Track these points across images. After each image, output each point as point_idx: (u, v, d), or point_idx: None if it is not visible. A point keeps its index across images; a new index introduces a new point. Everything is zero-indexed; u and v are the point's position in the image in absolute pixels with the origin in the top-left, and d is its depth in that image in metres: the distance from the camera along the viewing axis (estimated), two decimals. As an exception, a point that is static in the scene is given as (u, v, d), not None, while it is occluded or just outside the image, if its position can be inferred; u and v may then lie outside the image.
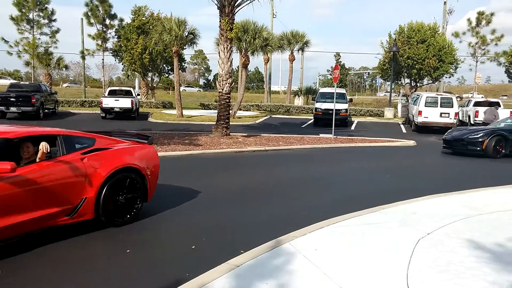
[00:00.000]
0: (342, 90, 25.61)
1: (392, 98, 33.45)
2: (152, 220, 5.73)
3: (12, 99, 19.57)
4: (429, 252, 4.52)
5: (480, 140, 12.65)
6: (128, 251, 4.65)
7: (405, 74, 32.10)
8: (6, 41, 31.63)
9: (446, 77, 35.93)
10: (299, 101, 37.35)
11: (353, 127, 22.65)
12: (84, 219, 5.05)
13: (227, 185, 8.13)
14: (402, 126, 23.92)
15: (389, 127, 23.27)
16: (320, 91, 25.79)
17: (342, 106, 22.19)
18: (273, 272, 3.95)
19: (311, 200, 7.18)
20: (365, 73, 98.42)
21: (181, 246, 4.86)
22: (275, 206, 6.73)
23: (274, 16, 37.05)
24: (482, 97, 46.74)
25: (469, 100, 25.87)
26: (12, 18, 31.87)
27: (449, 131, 14.35)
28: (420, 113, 21.03)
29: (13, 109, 19.54)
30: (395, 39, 29.80)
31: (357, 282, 3.76)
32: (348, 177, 9.62)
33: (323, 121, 21.79)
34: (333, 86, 19.54)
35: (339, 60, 72.38)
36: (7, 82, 42.12)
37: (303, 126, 22.60)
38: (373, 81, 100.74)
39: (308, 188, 8.20)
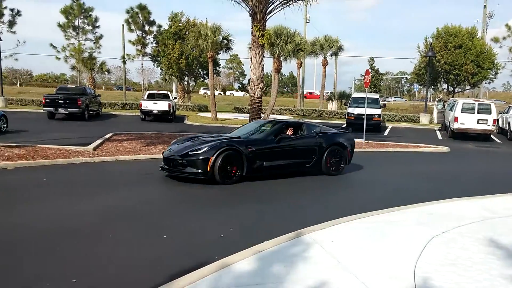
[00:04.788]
0: (376, 95, 25.56)
1: (429, 104, 32.94)
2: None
3: (60, 101, 20.96)
4: (441, 248, 4.81)
5: (201, 158, 7.81)
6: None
7: (442, 79, 31.58)
8: (54, 47, 33.79)
9: (485, 83, 35.01)
10: (332, 106, 37.39)
11: (386, 133, 22.58)
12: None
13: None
14: (438, 132, 23.60)
15: (424, 133, 22.99)
16: (352, 96, 25.89)
17: (375, 111, 22.23)
18: (291, 257, 4.38)
19: (331, 199, 7.54)
20: (403, 78, 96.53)
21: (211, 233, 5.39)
22: (302, 203, 7.14)
23: (308, 21, 37.37)
24: None
25: (509, 106, 25.16)
26: (59, 25, 34.05)
27: (173, 142, 9.42)
28: (456, 119, 20.77)
29: (61, 110, 20.93)
30: (431, 43, 29.40)
31: (366, 269, 4.14)
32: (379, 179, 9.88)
33: (355, 125, 21.82)
34: (368, 91, 19.67)
35: (373, 65, 71.59)
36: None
37: (335, 130, 22.77)
38: (411, 87, 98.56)
39: (328, 187, 8.56)
